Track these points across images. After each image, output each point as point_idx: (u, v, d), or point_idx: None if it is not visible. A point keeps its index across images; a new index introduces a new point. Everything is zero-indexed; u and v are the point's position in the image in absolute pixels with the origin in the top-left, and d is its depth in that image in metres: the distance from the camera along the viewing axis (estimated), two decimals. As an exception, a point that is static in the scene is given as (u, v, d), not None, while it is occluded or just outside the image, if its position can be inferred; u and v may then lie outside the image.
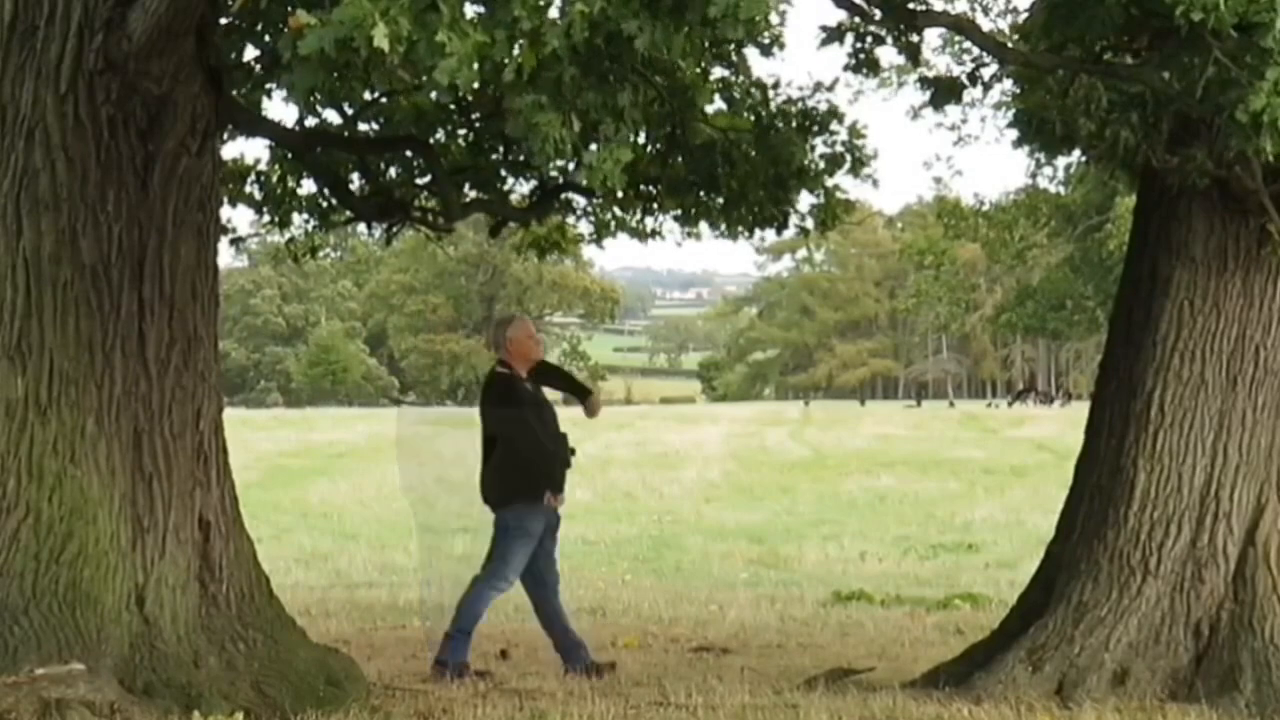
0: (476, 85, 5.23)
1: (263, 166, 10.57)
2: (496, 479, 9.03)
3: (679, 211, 10.17)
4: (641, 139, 8.68)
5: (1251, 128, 6.25)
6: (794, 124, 9.46)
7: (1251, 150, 6.59)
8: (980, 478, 29.96)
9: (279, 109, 75.52)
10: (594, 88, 5.70)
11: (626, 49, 5.53)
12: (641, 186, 9.87)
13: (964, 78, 8.50)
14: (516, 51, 5.25)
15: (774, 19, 7.82)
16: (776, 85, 9.62)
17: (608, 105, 5.78)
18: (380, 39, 4.98)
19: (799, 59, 9.27)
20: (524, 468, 8.97)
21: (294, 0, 5.59)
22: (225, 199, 9.86)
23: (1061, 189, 30.94)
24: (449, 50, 5.07)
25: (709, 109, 9.51)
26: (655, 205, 10.31)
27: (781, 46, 9.00)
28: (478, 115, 9.89)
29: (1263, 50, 6.11)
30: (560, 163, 6.10)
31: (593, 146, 5.81)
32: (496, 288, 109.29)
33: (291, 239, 11.22)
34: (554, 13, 5.33)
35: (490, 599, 9.12)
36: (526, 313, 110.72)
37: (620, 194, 10.12)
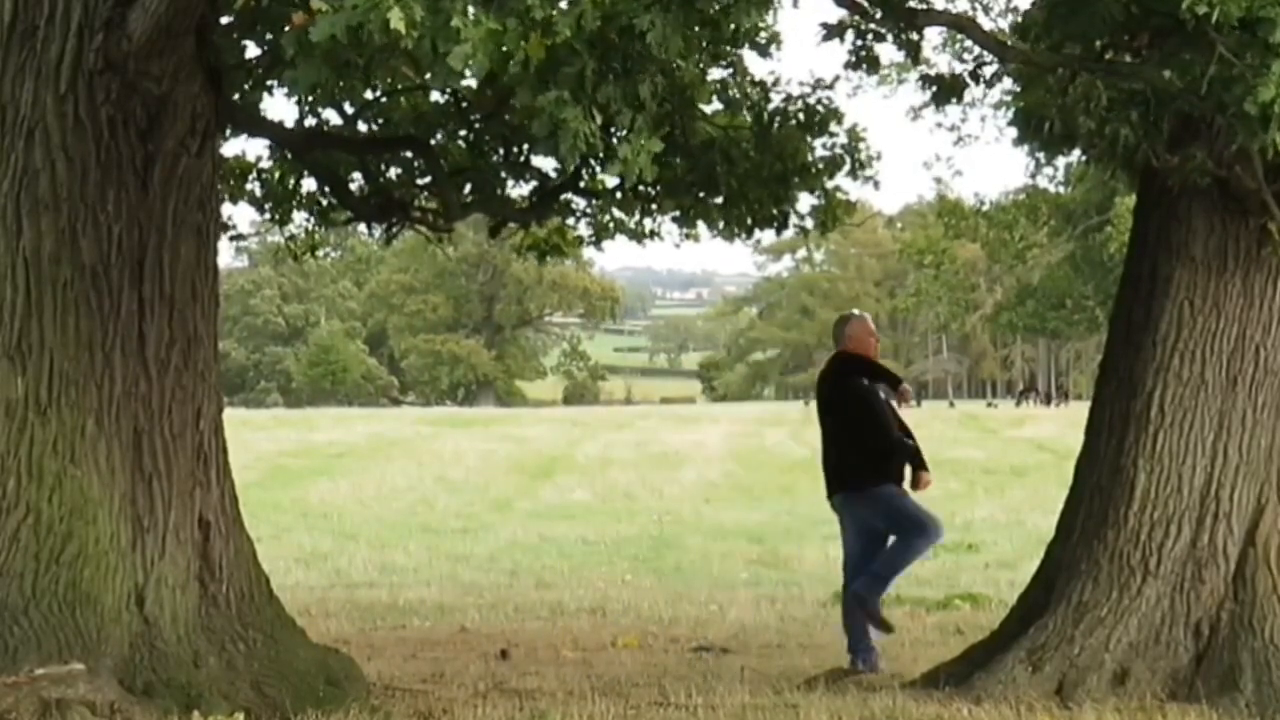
0: (486, 75, 5.24)
1: (264, 164, 10.57)
2: (859, 463, 9.26)
3: (677, 212, 10.16)
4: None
5: (1259, 121, 6.23)
6: (795, 121, 9.43)
7: (1257, 146, 6.57)
8: (980, 478, 29.86)
9: (279, 109, 75.55)
10: (612, 80, 5.72)
11: (638, 44, 5.54)
12: (640, 188, 9.85)
13: (965, 76, 8.49)
14: (525, 42, 5.26)
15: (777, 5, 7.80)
16: (776, 82, 9.61)
17: (627, 97, 5.79)
18: (396, 21, 5.00)
19: (799, 60, 9.27)
20: (882, 453, 9.31)
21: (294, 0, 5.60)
22: (226, 197, 9.86)
23: (1061, 188, 30.96)
24: (464, 36, 5.08)
25: (707, 111, 9.49)
26: (654, 206, 10.29)
27: (779, 45, 8.98)
28: (477, 116, 9.88)
29: (1267, 45, 6.10)
30: (582, 158, 6.11)
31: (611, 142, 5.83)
32: (496, 288, 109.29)
33: (292, 236, 11.21)
34: (564, 3, 5.34)
35: (920, 549, 9.45)
36: (527, 312, 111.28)
37: (620, 195, 10.11)
